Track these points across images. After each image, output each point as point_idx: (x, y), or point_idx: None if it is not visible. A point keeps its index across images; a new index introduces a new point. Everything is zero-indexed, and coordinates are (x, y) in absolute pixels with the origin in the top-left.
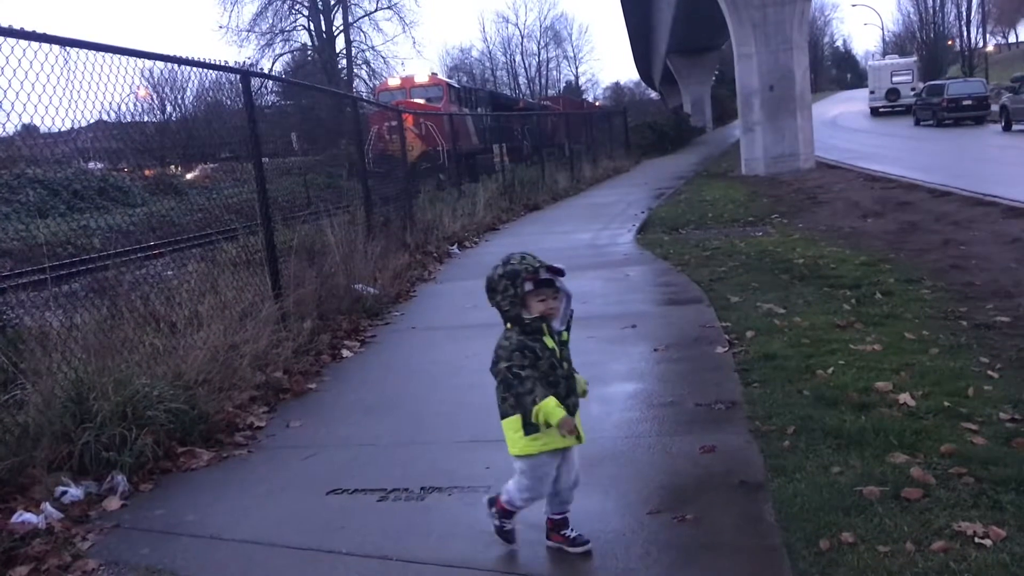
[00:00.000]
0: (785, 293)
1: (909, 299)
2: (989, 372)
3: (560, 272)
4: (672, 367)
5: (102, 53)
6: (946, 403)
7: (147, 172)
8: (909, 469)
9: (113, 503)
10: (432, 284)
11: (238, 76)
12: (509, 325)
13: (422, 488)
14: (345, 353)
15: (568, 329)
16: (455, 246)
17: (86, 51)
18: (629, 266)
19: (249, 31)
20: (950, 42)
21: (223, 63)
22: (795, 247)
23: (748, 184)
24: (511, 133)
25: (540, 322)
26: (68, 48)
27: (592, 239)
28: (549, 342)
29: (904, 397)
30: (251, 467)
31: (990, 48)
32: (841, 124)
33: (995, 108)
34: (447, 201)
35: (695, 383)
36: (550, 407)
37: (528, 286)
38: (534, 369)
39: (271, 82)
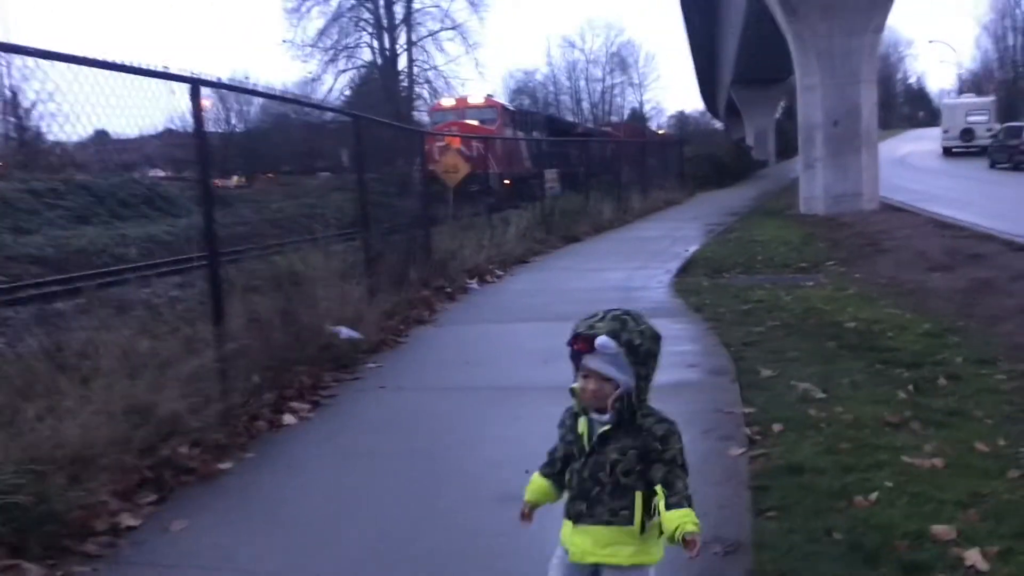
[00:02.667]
0: (828, 368)
1: (980, 388)
2: None
3: (585, 346)
4: None
5: None
6: None
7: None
8: None
9: None
10: (430, 327)
11: (188, 86)
12: None
13: None
14: (287, 419)
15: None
16: (474, 280)
17: None
18: (655, 318)
19: (313, 46)
20: None
21: (166, 70)
22: (848, 305)
23: (805, 224)
24: (566, 159)
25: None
26: None
27: (624, 280)
28: (582, 424)
29: (972, 555)
30: None
31: None
32: (911, 163)
33: None
34: (476, 229)
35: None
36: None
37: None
38: (561, 442)
39: (333, 101)
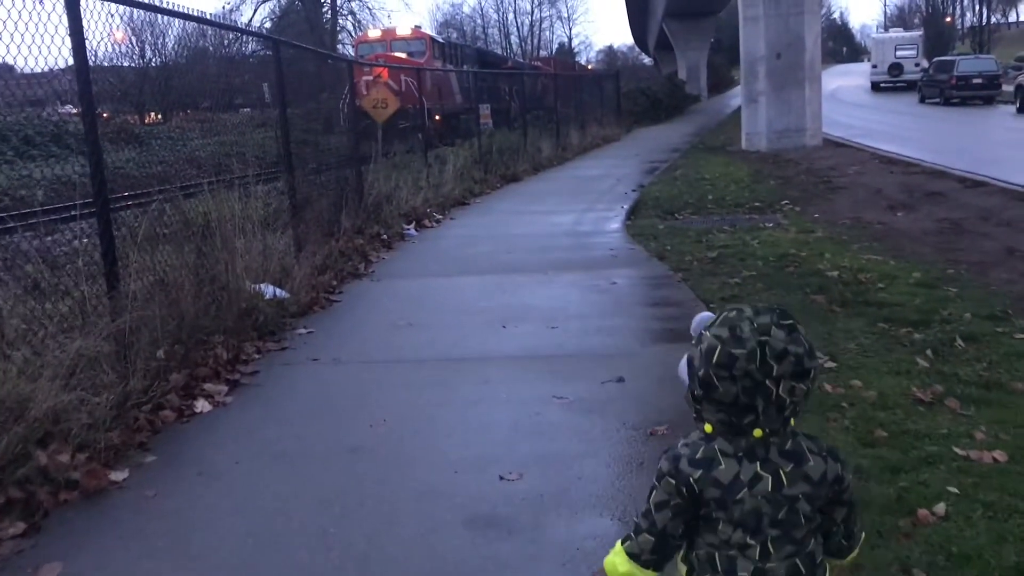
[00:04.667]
0: (827, 329)
1: (1007, 352)
2: None
3: None
4: None
5: None
6: None
7: None
8: None
9: None
10: (366, 282)
11: None
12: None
13: None
14: (200, 406)
15: None
16: (412, 226)
17: None
18: (616, 268)
19: None
20: (948, 19)
21: None
22: (822, 252)
23: (750, 161)
24: (498, 94)
25: None
26: None
27: (574, 223)
28: None
29: None
30: None
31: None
32: (841, 98)
33: (1008, 89)
34: (411, 168)
35: None
36: None
37: None
38: None
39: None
